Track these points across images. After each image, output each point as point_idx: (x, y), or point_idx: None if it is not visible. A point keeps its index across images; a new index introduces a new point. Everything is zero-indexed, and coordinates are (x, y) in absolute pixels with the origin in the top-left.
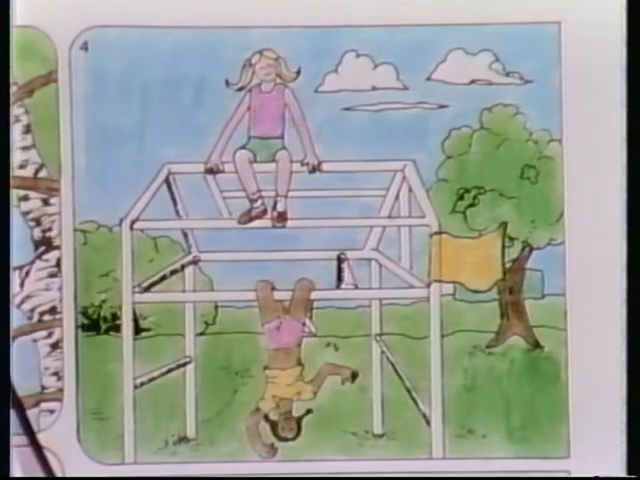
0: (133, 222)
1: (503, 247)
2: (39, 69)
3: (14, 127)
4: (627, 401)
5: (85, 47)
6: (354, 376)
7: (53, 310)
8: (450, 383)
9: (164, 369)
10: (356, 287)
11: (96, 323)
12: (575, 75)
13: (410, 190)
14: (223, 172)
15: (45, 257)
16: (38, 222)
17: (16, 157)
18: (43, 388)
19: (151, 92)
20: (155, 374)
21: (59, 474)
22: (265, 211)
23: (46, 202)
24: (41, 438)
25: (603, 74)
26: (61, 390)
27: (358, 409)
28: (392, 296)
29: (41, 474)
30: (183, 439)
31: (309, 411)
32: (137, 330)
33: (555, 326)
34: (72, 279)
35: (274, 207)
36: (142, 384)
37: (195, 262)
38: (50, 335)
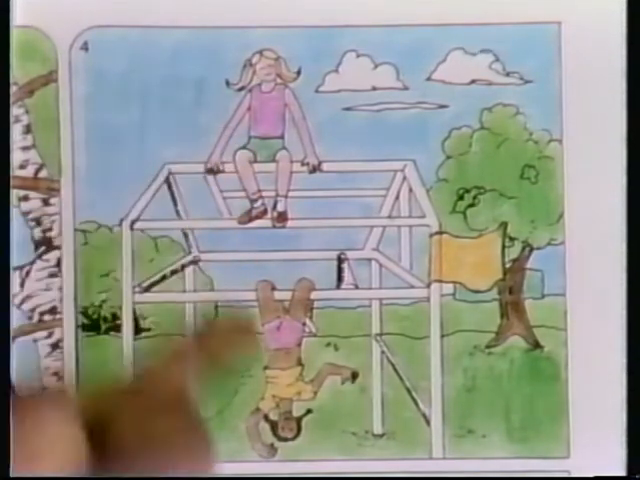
0: (133, 222)
1: (503, 247)
2: (39, 69)
3: (14, 127)
4: (627, 401)
5: (85, 47)
6: (354, 376)
7: (53, 310)
8: (450, 383)
9: None
10: (356, 287)
11: (96, 323)
12: (575, 75)
13: (410, 190)
14: (223, 172)
15: (45, 257)
16: (38, 222)
17: (16, 157)
18: (43, 388)
19: (151, 92)
20: None
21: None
22: (265, 211)
23: (46, 202)
24: None
25: (603, 74)
26: None
27: (358, 409)
28: (392, 296)
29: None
30: None
31: (309, 411)
32: (137, 330)
33: (555, 326)
34: (72, 279)
35: (274, 207)
36: None
37: (195, 262)
38: (50, 335)
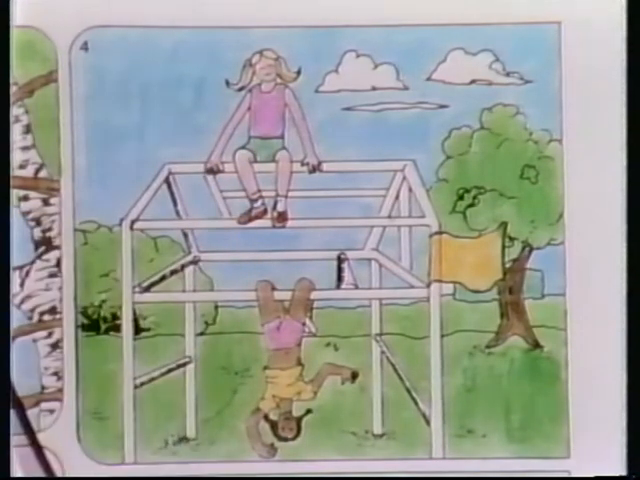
0: (133, 222)
1: (503, 247)
2: (39, 69)
3: (14, 127)
4: (627, 401)
5: (85, 47)
6: (354, 376)
7: (53, 310)
8: (450, 383)
9: (164, 369)
10: (356, 287)
11: (96, 323)
12: (575, 75)
13: (410, 190)
14: (223, 172)
15: (45, 257)
16: (38, 222)
17: (16, 157)
18: (43, 388)
19: (151, 92)
20: (155, 374)
21: (59, 474)
22: (265, 211)
23: (46, 202)
24: (41, 438)
25: (603, 74)
26: (61, 390)
27: (358, 409)
28: (392, 296)
29: (41, 474)
30: (183, 439)
31: (309, 411)
32: (137, 330)
33: (555, 326)
34: (72, 279)
35: (274, 207)
36: (142, 384)
37: (195, 262)
38: (50, 335)
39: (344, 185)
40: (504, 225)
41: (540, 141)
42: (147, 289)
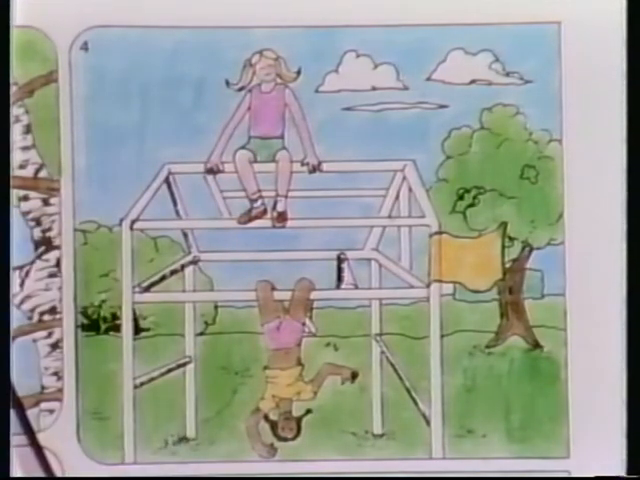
0: (133, 222)
1: (503, 247)
2: (39, 69)
3: (14, 127)
4: (627, 401)
5: (85, 47)
6: (354, 376)
7: (53, 310)
8: (450, 383)
9: (164, 369)
10: (356, 287)
11: (96, 323)
12: (575, 75)
13: (410, 190)
14: (223, 172)
15: (45, 257)
16: (38, 222)
17: (16, 157)
18: (43, 388)
19: (151, 92)
20: (155, 374)
21: (59, 474)
22: (265, 211)
23: (46, 202)
24: (41, 438)
25: (603, 74)
26: (61, 390)
27: (358, 409)
28: (392, 296)
29: (41, 474)
30: (183, 439)
31: (309, 411)
32: (137, 330)
33: (555, 326)
34: (72, 279)
35: (274, 207)
36: (142, 384)
37: (195, 262)
38: (50, 335)
39: (344, 185)
40: (504, 225)
41: (540, 141)
42: (147, 289)
